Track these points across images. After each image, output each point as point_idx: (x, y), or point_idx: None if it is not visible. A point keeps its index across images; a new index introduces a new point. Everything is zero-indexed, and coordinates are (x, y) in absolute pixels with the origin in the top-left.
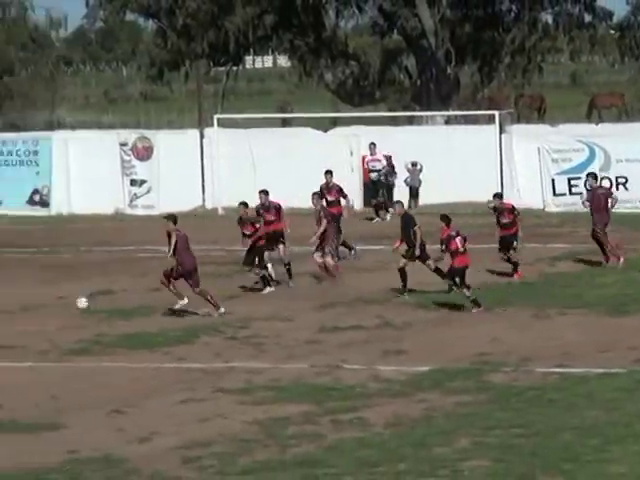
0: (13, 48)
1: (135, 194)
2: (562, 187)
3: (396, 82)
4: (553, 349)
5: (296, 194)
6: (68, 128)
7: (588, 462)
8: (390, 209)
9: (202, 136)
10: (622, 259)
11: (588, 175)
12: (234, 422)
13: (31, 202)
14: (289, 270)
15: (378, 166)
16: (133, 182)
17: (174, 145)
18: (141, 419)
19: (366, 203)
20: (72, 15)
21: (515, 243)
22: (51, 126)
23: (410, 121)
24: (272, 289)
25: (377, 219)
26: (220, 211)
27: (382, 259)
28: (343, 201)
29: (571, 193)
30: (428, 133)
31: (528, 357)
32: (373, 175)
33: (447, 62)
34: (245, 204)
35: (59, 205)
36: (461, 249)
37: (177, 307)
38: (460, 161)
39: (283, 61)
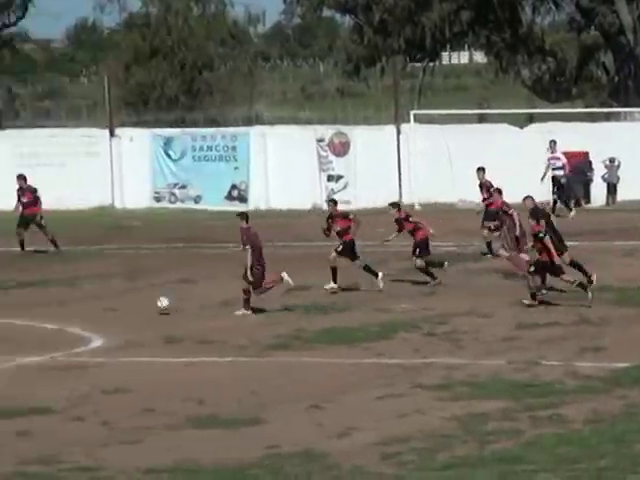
0: (212, 44)
1: (332, 189)
2: None
3: (593, 78)
4: None
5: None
6: (266, 123)
7: None
8: (572, 207)
9: (399, 132)
10: None
11: None
12: (432, 418)
13: (229, 197)
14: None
15: (558, 164)
16: (330, 177)
17: (370, 141)
18: (340, 414)
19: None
20: (270, 11)
21: None
22: (249, 121)
23: (607, 117)
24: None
25: (572, 213)
26: (416, 207)
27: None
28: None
29: None
30: (626, 129)
31: None
32: (557, 173)
33: None
34: (334, 201)
35: (257, 200)
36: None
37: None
38: None
39: (479, 57)
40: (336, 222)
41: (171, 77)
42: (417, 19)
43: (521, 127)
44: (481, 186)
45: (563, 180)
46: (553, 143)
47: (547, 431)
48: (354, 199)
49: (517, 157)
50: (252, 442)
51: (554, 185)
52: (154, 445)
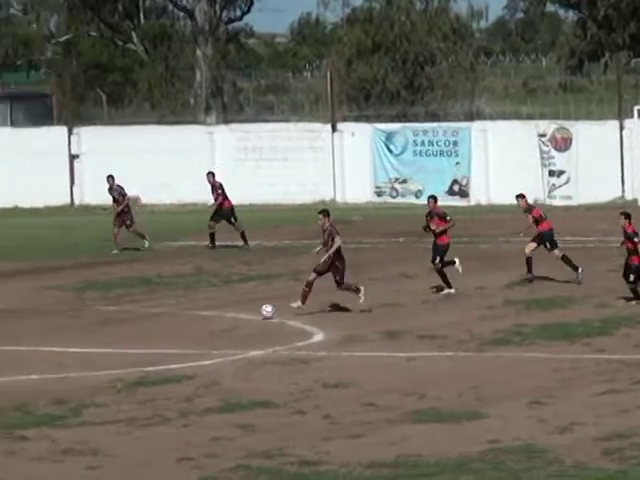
0: (434, 39)
1: (554, 184)
2: None
3: None
4: None
5: None
6: (487, 118)
7: None
8: None
9: (622, 127)
10: None
11: None
12: None
13: (450, 192)
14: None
15: None
16: (551, 173)
17: (593, 136)
18: (561, 410)
19: None
20: (493, 6)
21: None
22: (470, 116)
23: None
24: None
25: None
26: None
27: None
28: None
29: None
30: None
31: None
32: None
33: None
34: (434, 198)
35: (478, 195)
36: None
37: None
38: None
39: None
40: (434, 220)
41: (393, 72)
42: None
43: None
44: None
45: None
46: None
47: None
48: (575, 194)
49: None
50: (473, 436)
51: None
52: (376, 439)
